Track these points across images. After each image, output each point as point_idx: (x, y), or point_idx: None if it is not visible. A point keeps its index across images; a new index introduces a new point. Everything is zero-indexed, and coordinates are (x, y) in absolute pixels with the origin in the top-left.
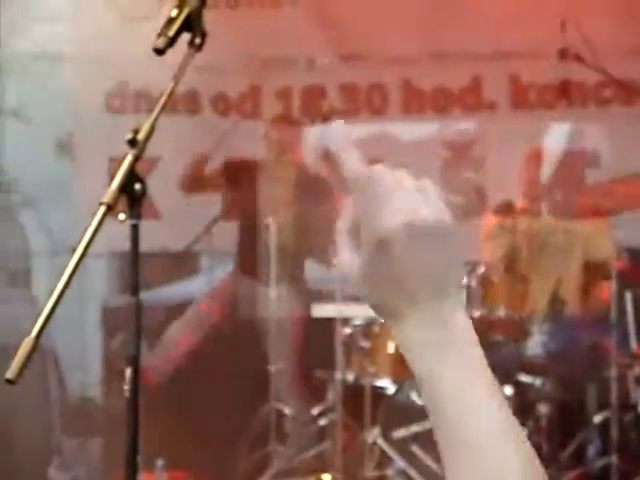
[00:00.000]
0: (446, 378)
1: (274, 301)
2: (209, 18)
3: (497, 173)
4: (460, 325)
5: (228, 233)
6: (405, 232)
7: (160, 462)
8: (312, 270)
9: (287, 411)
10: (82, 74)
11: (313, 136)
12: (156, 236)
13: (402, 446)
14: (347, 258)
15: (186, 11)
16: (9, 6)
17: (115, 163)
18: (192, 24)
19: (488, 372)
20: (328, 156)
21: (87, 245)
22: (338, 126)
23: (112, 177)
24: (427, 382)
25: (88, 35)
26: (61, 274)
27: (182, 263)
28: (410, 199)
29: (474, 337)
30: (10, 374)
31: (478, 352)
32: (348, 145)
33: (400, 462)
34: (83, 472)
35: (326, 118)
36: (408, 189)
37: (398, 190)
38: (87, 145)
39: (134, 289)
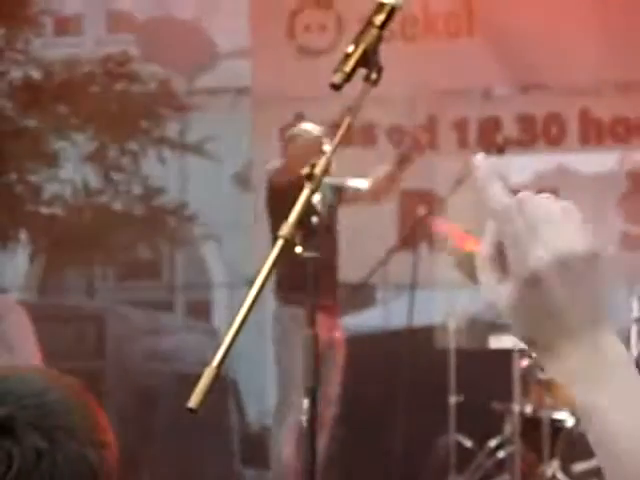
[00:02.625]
0: (613, 408)
1: (453, 332)
2: (385, 50)
3: None
4: (617, 351)
5: (404, 265)
6: (557, 267)
7: None
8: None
9: (466, 443)
10: (261, 108)
11: (487, 167)
12: None
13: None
14: (492, 287)
15: (362, 47)
16: (194, 43)
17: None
18: (368, 59)
19: None
20: (505, 187)
21: (266, 277)
22: (480, 159)
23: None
24: (593, 414)
25: (268, 70)
26: (240, 306)
27: (357, 295)
28: (558, 229)
29: (630, 359)
30: (192, 403)
31: (636, 374)
32: (491, 177)
33: None
34: None
35: (501, 149)
36: (555, 216)
37: (546, 220)
38: (266, 178)
39: (311, 321)
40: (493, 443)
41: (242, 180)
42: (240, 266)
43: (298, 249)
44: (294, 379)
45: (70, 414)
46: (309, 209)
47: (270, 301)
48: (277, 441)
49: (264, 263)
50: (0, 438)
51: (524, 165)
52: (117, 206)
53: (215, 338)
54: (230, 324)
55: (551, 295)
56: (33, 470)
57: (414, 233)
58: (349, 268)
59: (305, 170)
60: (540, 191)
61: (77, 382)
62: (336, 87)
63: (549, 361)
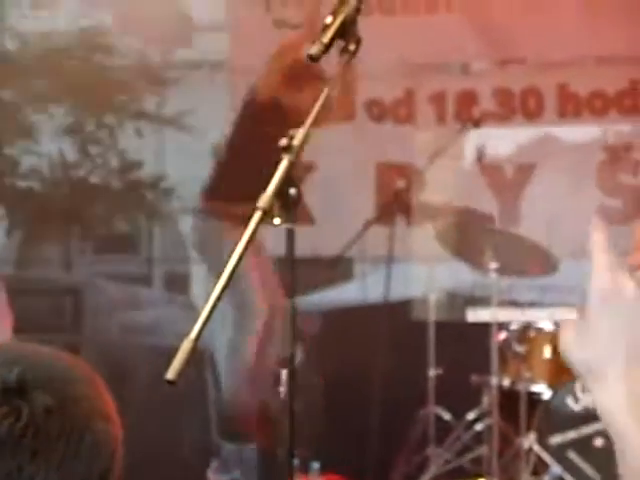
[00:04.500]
0: None
1: (432, 305)
2: (363, 24)
3: None
4: None
5: (381, 238)
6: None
7: (315, 465)
8: (466, 274)
9: (445, 416)
10: (240, 81)
11: (470, 140)
12: (309, 242)
13: (558, 452)
14: (570, 336)
15: (340, 18)
16: (171, 16)
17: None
18: (346, 31)
19: None
20: (483, 159)
21: (243, 250)
22: (597, 226)
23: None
24: (627, 444)
25: (246, 43)
26: (218, 279)
27: (334, 268)
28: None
29: None
30: (170, 375)
31: None
32: (603, 247)
33: (556, 468)
34: (240, 475)
35: (478, 123)
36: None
37: None
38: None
39: (290, 292)
40: (471, 416)
41: (220, 153)
42: None
43: (276, 221)
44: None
45: (78, 383)
46: (287, 180)
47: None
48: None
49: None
50: (11, 397)
51: (503, 138)
52: (94, 180)
53: (193, 312)
54: (208, 298)
55: (624, 323)
56: (42, 426)
57: (391, 206)
58: (326, 242)
59: (283, 142)
60: (520, 163)
61: (82, 361)
62: (313, 59)
63: (597, 389)
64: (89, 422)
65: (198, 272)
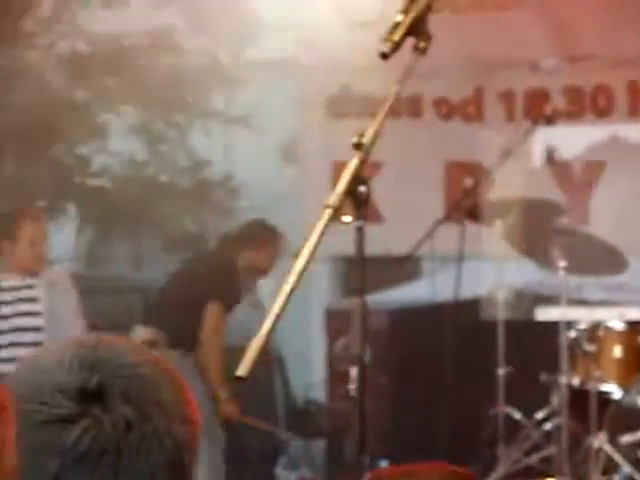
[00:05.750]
0: None
1: (501, 303)
2: (432, 22)
3: None
4: None
5: (451, 236)
6: None
7: (384, 463)
8: (535, 273)
9: (515, 415)
10: (307, 80)
11: (539, 139)
12: (379, 240)
13: (629, 452)
14: None
15: (412, 16)
16: (240, 16)
17: (339, 167)
18: (417, 29)
19: None
20: (553, 159)
21: (313, 248)
22: None
23: (336, 181)
24: None
25: (314, 42)
26: (286, 278)
27: (404, 267)
28: None
29: None
30: (241, 371)
31: None
32: None
33: (627, 468)
34: (308, 472)
35: (550, 120)
36: None
37: None
38: (311, 150)
39: (360, 290)
40: (540, 415)
41: (287, 152)
42: (287, 238)
43: (346, 219)
44: None
45: (160, 388)
46: (357, 178)
47: (317, 273)
48: None
49: (310, 234)
50: (91, 406)
51: (573, 136)
52: (163, 178)
53: (259, 311)
54: (275, 297)
55: None
56: (121, 440)
57: (461, 204)
58: (395, 240)
59: (353, 139)
60: (590, 162)
61: (163, 358)
62: (385, 56)
63: None
64: (170, 428)
65: None
